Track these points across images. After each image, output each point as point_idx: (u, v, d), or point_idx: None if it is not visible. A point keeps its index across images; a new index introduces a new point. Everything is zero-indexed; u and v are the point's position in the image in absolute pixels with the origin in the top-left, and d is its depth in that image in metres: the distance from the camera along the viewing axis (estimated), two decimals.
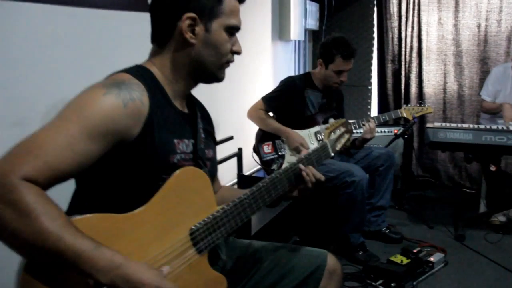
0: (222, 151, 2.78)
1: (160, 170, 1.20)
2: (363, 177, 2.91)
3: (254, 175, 3.63)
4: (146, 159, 1.18)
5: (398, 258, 2.92)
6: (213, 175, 1.42)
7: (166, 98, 1.28)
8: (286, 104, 3.09)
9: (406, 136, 3.76)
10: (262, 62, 3.82)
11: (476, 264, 3.09)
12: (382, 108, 4.67)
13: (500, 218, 3.66)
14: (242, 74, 3.41)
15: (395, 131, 4.09)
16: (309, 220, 3.22)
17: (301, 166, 1.47)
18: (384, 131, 4.13)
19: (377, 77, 4.82)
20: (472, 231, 3.55)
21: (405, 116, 3.22)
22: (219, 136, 2.92)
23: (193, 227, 1.22)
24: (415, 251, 3.01)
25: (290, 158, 3.13)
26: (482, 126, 3.44)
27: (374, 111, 4.80)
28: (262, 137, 3.15)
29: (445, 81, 4.60)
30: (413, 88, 4.70)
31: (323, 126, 1.67)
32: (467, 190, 4.61)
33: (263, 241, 1.65)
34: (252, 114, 3.11)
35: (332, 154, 1.60)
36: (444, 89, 4.62)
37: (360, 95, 4.71)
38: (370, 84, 4.72)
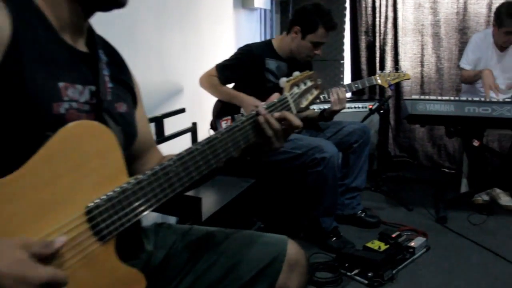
0: (172, 125, 2.42)
1: (40, 124, 0.85)
2: (335, 153, 2.60)
3: None
4: (14, 107, 0.83)
5: (376, 244, 2.64)
6: (129, 136, 1.07)
7: (47, 27, 0.93)
8: (243, 75, 2.74)
9: (381, 112, 3.50)
10: (222, 31, 3.46)
11: (460, 247, 2.83)
12: None
13: (484, 197, 3.42)
14: (199, 43, 3.05)
15: (370, 106, 3.82)
16: (275, 203, 2.91)
17: (261, 110, 1.16)
18: (358, 107, 3.84)
19: (349, 50, 4.51)
20: (454, 213, 3.30)
21: (380, 83, 2.92)
22: (169, 108, 2.58)
23: (91, 204, 0.87)
24: (394, 235, 2.73)
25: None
26: (464, 98, 3.17)
27: None
28: (220, 111, 2.82)
29: (423, 53, 4.34)
30: (389, 62, 4.42)
31: (284, 79, 1.31)
32: (447, 170, 4.38)
33: (208, 227, 1.31)
34: (203, 81, 2.75)
35: (295, 111, 1.26)
36: (422, 62, 4.36)
37: (331, 70, 4.40)
38: (342, 58, 4.41)
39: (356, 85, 2.87)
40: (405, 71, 2.94)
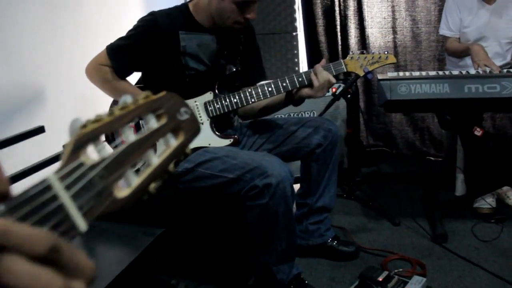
0: (20, 157, 1.51)
1: None
2: (284, 176, 1.74)
3: None
4: None
5: None
6: None
7: None
8: (148, 59, 1.90)
9: (349, 96, 2.65)
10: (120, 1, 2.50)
11: (472, 283, 2.02)
12: (314, 60, 3.48)
13: (489, 200, 2.62)
14: (75, 22, 2.08)
15: (333, 90, 2.95)
16: (205, 249, 2.03)
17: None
18: None
19: (302, 19, 3.61)
20: (453, 222, 2.54)
21: (353, 70, 2.01)
22: (13, 130, 1.61)
23: None
24: (381, 279, 1.92)
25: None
26: (456, 73, 2.33)
27: (303, 66, 3.62)
28: None
29: (394, 17, 3.48)
30: (352, 30, 3.56)
31: (77, 122, 0.39)
32: (433, 158, 3.60)
33: None
34: (91, 73, 1.92)
35: (83, 225, 0.37)
36: (394, 28, 3.50)
37: (282, 45, 3.52)
38: (294, 29, 3.52)
39: None
40: (388, 53, 2.01)
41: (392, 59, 1.99)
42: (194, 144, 2.01)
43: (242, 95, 1.93)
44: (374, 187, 3.14)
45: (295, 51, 3.53)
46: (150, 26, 1.88)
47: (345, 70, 1.98)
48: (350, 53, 2.00)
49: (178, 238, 1.81)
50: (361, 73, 1.98)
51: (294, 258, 1.93)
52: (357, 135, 3.33)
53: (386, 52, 1.98)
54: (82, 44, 2.06)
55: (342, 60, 1.97)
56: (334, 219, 2.66)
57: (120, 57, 1.88)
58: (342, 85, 2.89)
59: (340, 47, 3.58)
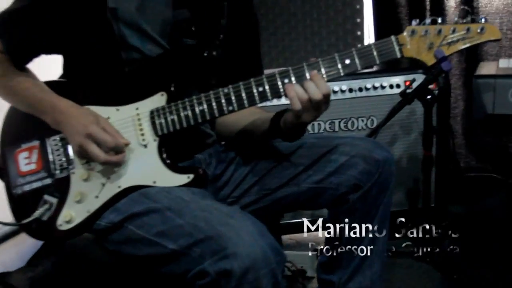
0: None
1: None
2: (260, 257, 1.19)
3: None
4: None
5: None
6: None
7: None
8: (60, 28, 1.50)
9: (429, 98, 2.11)
10: None
11: None
12: (386, 35, 2.81)
13: None
14: None
15: (406, 83, 2.37)
16: None
17: None
18: (382, 86, 2.41)
19: None
20: None
21: (412, 55, 1.34)
22: None
23: None
24: None
25: (83, 188, 1.47)
26: None
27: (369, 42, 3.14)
28: (19, 131, 1.59)
29: None
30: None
31: None
32: None
33: None
34: None
35: None
36: None
37: (339, 11, 3.09)
38: (359, 1, 3.06)
39: (349, 61, 1.32)
40: (484, 21, 1.31)
41: (492, 32, 1.28)
42: (130, 181, 1.41)
43: (213, 100, 1.36)
44: (467, 241, 2.47)
45: (358, 20, 3.08)
46: None
47: (398, 55, 1.31)
48: (413, 23, 1.32)
49: None
50: (430, 61, 1.31)
51: None
52: (445, 155, 2.69)
53: (481, 21, 1.28)
54: None
55: (393, 38, 1.30)
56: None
57: (14, 30, 1.49)
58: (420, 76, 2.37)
59: (428, 12, 2.95)
